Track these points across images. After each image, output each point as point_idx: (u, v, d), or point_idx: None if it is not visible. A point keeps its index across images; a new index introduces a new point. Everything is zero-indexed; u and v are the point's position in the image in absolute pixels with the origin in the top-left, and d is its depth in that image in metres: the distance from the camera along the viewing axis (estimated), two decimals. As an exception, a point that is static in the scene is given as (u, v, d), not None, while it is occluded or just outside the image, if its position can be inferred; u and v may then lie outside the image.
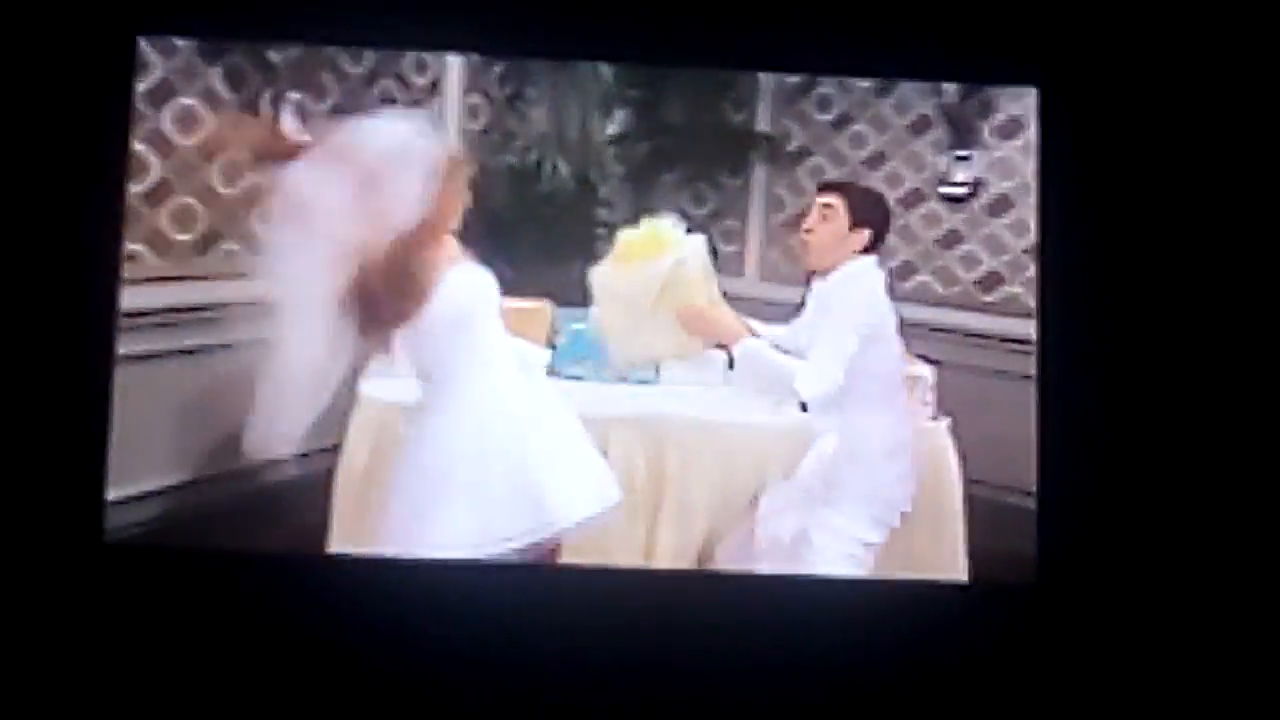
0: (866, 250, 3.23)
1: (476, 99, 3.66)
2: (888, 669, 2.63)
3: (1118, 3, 2.72)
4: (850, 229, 3.22)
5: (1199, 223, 2.70)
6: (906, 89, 2.87)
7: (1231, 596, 2.61)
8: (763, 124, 3.91)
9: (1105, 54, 2.73)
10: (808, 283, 3.23)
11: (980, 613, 2.65)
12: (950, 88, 2.78)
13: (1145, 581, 2.63)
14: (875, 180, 3.87)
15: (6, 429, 2.52)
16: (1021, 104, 2.94)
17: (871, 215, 3.24)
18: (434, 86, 3.35)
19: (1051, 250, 2.73)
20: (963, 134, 2.95)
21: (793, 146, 3.95)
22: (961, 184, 3.79)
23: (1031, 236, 2.81)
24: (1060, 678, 2.60)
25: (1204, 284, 2.69)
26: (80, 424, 2.54)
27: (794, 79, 2.90)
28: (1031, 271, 2.83)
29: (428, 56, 2.99)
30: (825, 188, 3.30)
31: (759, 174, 4.08)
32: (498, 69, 3.40)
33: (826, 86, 3.03)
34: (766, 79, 2.98)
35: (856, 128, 3.83)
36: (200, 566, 2.58)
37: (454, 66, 3.33)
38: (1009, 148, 3.66)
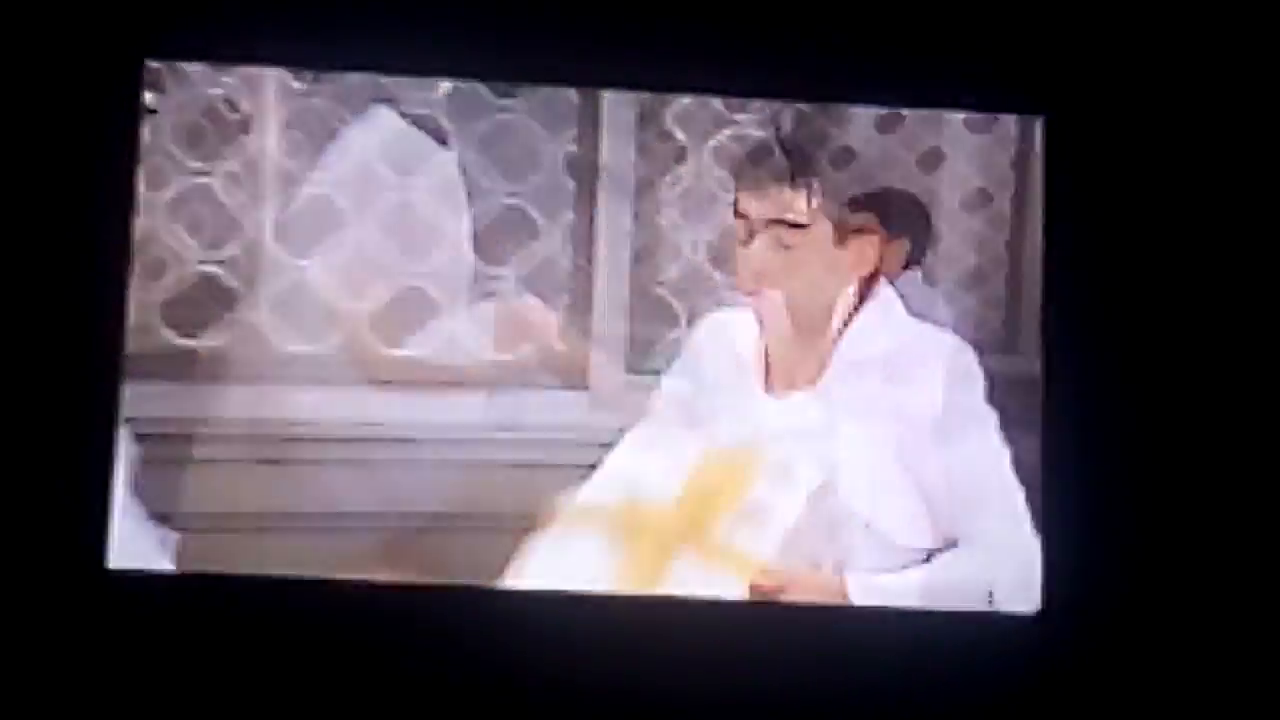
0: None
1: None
2: (891, 699, 2.58)
3: (1123, 30, 2.70)
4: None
5: (1209, 250, 2.66)
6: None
7: (1244, 622, 2.59)
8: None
9: (1112, 82, 2.69)
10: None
11: (986, 642, 2.59)
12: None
13: (1153, 610, 2.60)
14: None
15: (7, 451, 2.50)
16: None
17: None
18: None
19: (1058, 280, 2.65)
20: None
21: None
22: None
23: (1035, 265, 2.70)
24: (1065, 709, 2.57)
25: (1214, 309, 2.65)
26: (85, 448, 2.53)
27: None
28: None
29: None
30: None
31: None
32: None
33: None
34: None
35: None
36: (207, 592, 2.56)
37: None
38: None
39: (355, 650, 2.54)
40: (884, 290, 2.52)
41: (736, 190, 2.55)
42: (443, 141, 2.78)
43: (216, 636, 2.51)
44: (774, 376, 2.56)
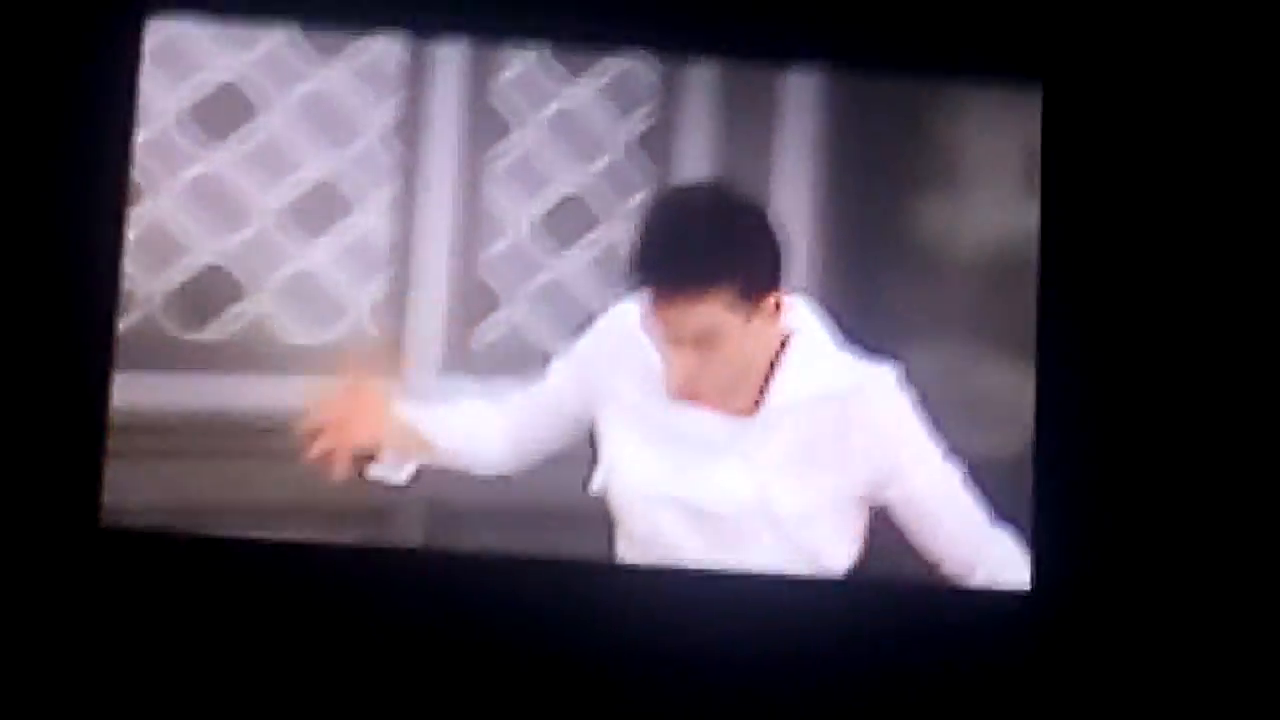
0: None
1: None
2: (873, 673, 2.59)
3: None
4: (749, 318, 2.39)
5: (1207, 224, 2.65)
6: (582, 85, 2.74)
7: (1231, 604, 2.59)
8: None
9: (1110, 48, 2.67)
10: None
11: (972, 618, 2.58)
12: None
13: (1142, 589, 2.61)
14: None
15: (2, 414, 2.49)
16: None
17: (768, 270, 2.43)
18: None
19: (1053, 251, 2.63)
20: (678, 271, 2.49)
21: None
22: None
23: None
24: (1053, 687, 2.58)
25: (1211, 289, 2.63)
26: (77, 405, 2.50)
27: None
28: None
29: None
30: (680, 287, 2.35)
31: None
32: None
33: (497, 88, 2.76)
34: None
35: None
36: (201, 552, 2.53)
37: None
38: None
39: (346, 612, 2.53)
40: (809, 324, 2.48)
41: (642, 290, 2.44)
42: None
43: (210, 595, 2.51)
44: (684, 391, 2.47)
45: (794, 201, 2.70)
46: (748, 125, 2.74)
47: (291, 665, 2.51)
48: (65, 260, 2.53)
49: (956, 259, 2.74)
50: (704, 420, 2.47)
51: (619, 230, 2.72)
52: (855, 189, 2.76)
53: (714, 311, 2.37)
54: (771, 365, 2.45)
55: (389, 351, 2.71)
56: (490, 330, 2.75)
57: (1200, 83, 2.67)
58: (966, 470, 2.50)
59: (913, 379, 2.50)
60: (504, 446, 2.59)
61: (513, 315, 2.76)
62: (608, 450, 2.52)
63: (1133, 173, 2.66)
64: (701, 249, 2.42)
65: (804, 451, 2.46)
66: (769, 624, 2.55)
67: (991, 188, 2.74)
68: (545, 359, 2.64)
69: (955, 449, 2.51)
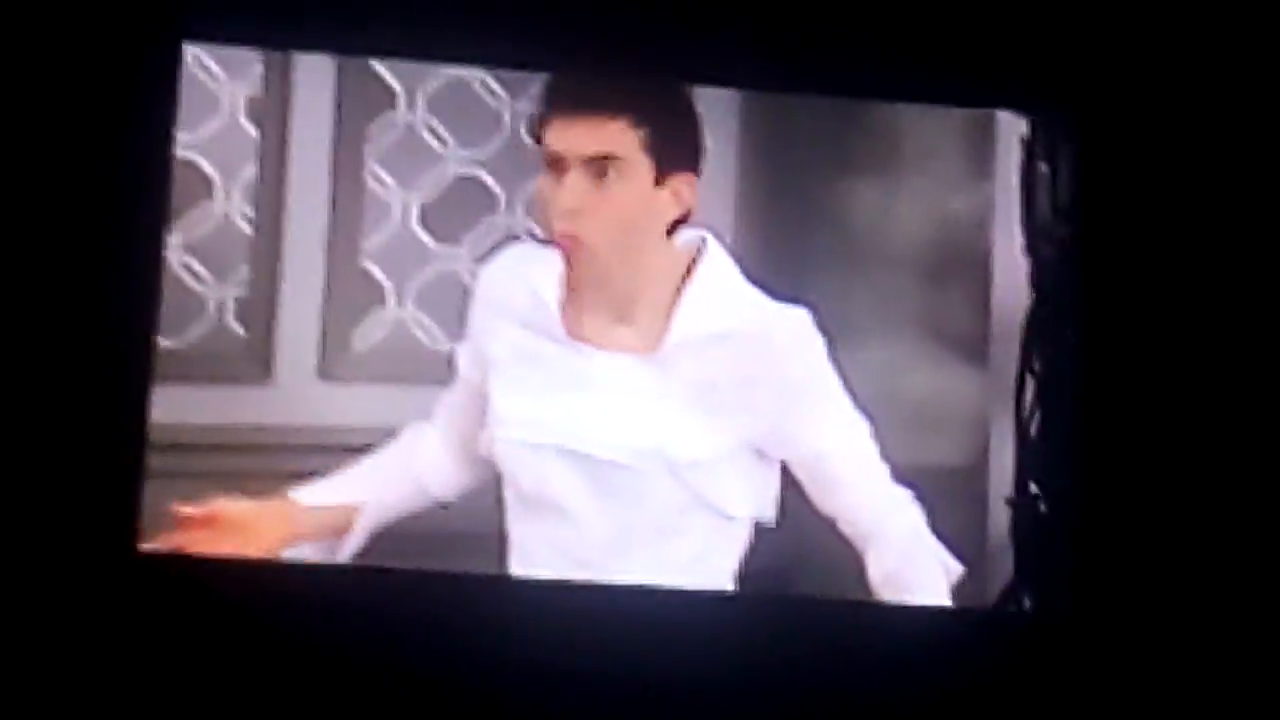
0: (680, 221, 2.33)
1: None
2: (909, 697, 2.45)
3: (1151, 28, 2.57)
4: (658, 183, 2.28)
5: (1204, 246, 2.56)
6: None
7: (1219, 629, 2.51)
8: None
9: (1138, 81, 2.57)
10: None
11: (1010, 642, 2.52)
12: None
13: (1177, 612, 2.51)
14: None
15: (39, 433, 2.39)
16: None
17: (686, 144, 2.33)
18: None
19: (1085, 275, 2.53)
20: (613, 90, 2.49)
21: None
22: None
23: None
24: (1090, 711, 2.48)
25: (1207, 306, 2.55)
26: (115, 429, 2.39)
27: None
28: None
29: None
30: (591, 97, 2.29)
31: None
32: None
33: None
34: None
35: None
36: (236, 577, 2.43)
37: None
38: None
39: (378, 636, 2.42)
40: (714, 255, 2.34)
41: (542, 123, 2.29)
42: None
43: (246, 621, 2.42)
44: (581, 327, 2.33)
45: (716, 187, 2.52)
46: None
47: (335, 690, 2.42)
48: (100, 287, 2.41)
49: (897, 250, 2.60)
50: (598, 359, 2.32)
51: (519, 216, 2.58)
52: (785, 175, 2.61)
53: (623, 134, 2.24)
54: (674, 298, 2.31)
55: (257, 355, 2.51)
56: (375, 329, 2.56)
57: (1233, 111, 2.60)
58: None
59: (854, 382, 2.35)
60: (453, 462, 2.41)
61: (400, 312, 2.56)
62: (494, 404, 2.34)
63: (1123, 206, 2.60)
64: (620, 82, 2.34)
65: (706, 393, 2.31)
66: (740, 642, 2.44)
67: (934, 172, 2.62)
68: (437, 360, 2.46)
69: (898, 456, 2.38)
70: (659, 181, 2.25)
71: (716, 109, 2.51)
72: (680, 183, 2.27)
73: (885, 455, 2.35)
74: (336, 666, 2.43)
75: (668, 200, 2.27)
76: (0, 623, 2.37)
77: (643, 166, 2.24)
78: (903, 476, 2.36)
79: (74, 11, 2.45)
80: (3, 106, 2.43)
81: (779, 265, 2.45)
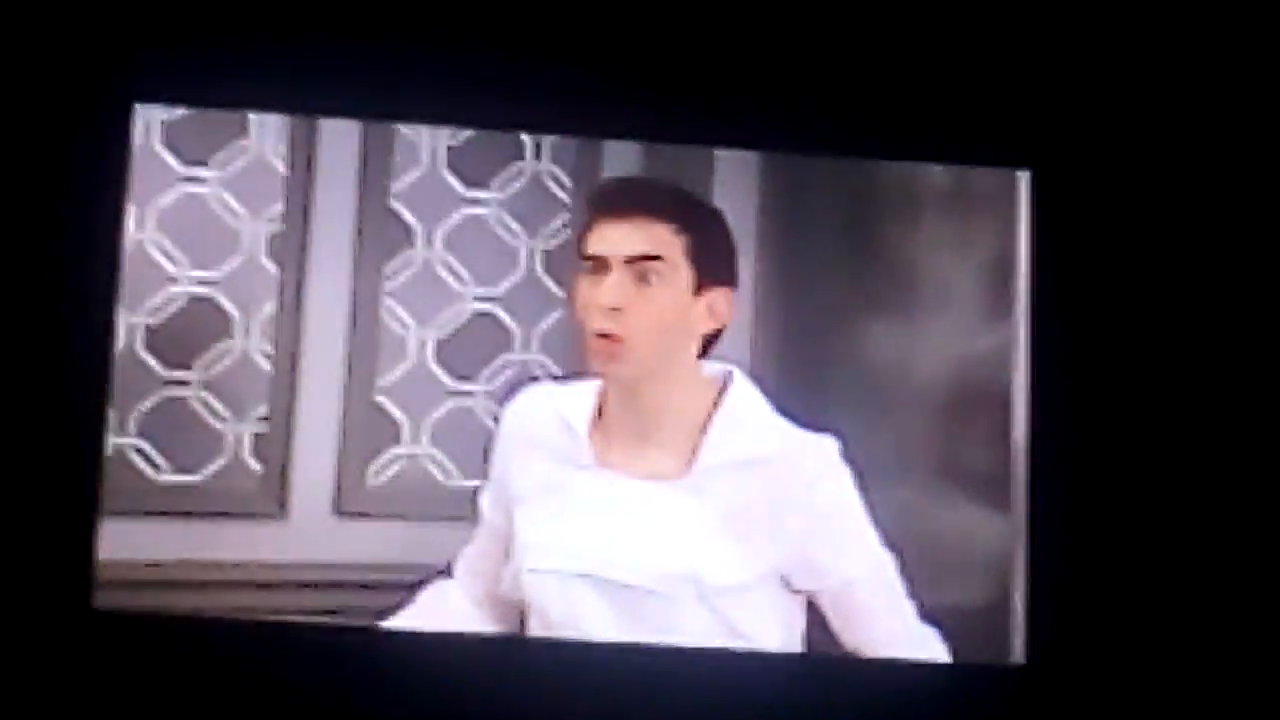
0: (714, 338, 2.33)
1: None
2: None
3: (1111, 83, 2.63)
4: (697, 293, 2.29)
5: (1199, 308, 2.59)
6: (487, 198, 2.59)
7: (1229, 668, 2.53)
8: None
9: (1099, 135, 2.62)
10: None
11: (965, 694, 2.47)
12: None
13: (1140, 661, 2.53)
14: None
15: None
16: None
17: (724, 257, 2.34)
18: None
19: (1042, 338, 2.54)
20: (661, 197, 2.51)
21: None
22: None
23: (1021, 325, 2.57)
24: None
25: (1202, 369, 2.58)
26: (70, 484, 2.42)
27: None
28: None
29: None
30: (638, 201, 2.31)
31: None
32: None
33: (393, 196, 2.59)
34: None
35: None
36: (195, 634, 2.43)
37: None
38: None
39: (338, 693, 2.42)
40: (742, 383, 2.33)
41: (586, 229, 2.31)
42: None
43: (202, 678, 2.41)
44: (610, 454, 2.32)
45: (730, 333, 2.48)
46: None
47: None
48: (55, 347, 2.46)
49: (916, 389, 2.57)
50: (627, 486, 2.29)
51: (534, 352, 2.56)
52: (803, 313, 2.58)
53: (667, 238, 2.26)
54: (703, 424, 2.29)
55: (272, 491, 2.48)
56: (389, 465, 2.53)
57: (1197, 169, 2.64)
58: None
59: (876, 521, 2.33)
60: (478, 612, 2.39)
61: (414, 447, 2.53)
62: (521, 537, 2.31)
63: (1120, 261, 2.63)
64: (663, 190, 2.36)
65: (736, 519, 2.28)
66: (748, 700, 2.44)
67: (953, 312, 2.60)
68: (451, 496, 2.45)
69: (921, 599, 2.35)
70: (698, 292, 2.26)
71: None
72: (717, 295, 2.28)
73: (911, 593, 2.32)
74: None
75: (704, 312, 2.27)
76: None
77: (684, 272, 2.25)
78: (927, 615, 2.34)
79: (23, 73, 2.49)
80: None
81: (796, 404, 2.40)
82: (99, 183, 2.48)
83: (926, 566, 2.41)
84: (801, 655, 2.34)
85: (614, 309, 2.24)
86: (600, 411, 2.31)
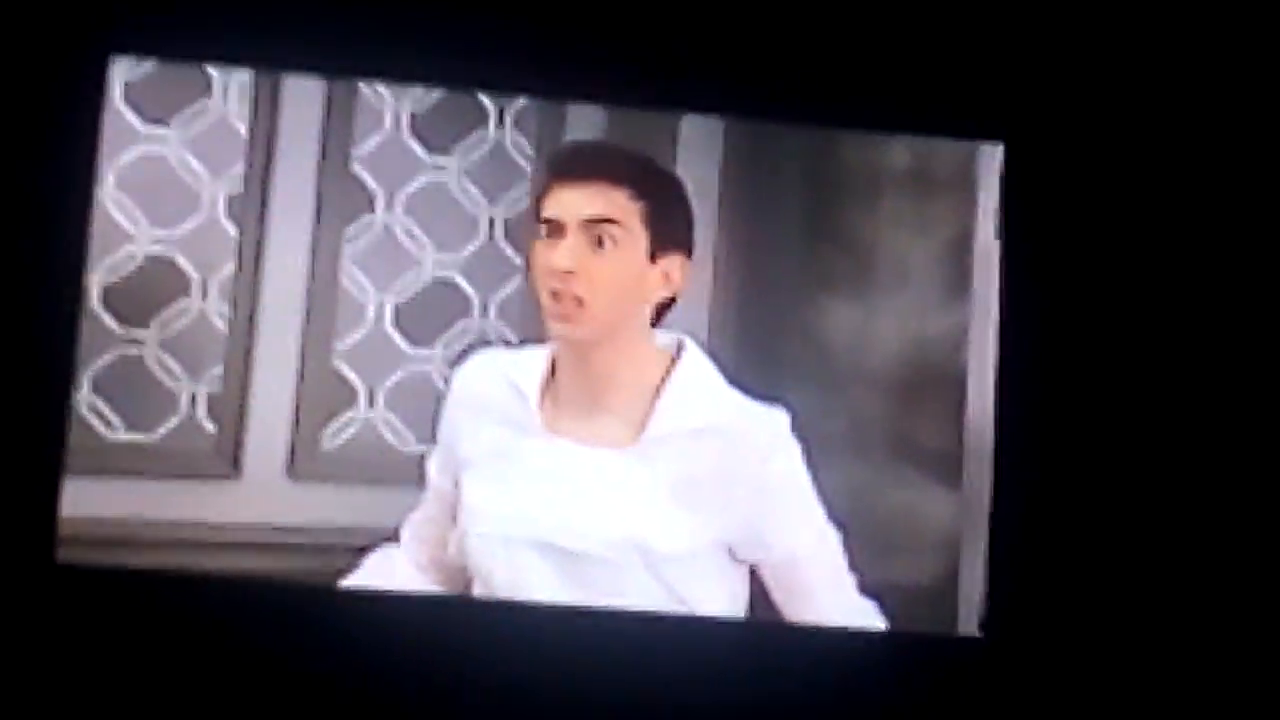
0: (667, 305, 2.32)
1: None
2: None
3: (1086, 54, 2.58)
4: (652, 260, 2.27)
5: (1171, 286, 2.56)
6: (447, 163, 2.60)
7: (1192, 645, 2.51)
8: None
9: (1072, 108, 2.57)
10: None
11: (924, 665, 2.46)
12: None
13: (1099, 635, 2.49)
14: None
15: None
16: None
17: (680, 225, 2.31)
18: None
19: (1011, 314, 2.50)
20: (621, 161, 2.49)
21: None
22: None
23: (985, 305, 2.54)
24: None
25: (1173, 345, 2.55)
26: (33, 435, 2.36)
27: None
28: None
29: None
30: (595, 166, 2.27)
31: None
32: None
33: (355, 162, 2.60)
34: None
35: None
36: (158, 588, 2.37)
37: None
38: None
39: (306, 650, 2.37)
40: (694, 353, 2.31)
41: (544, 192, 2.27)
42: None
43: (166, 633, 2.37)
44: (559, 421, 2.29)
45: (690, 297, 2.46)
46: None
47: (251, 706, 2.39)
48: (21, 306, 2.39)
49: (871, 367, 2.59)
50: (575, 453, 2.27)
51: (493, 320, 2.56)
52: (761, 289, 2.60)
53: (621, 202, 2.22)
54: (654, 393, 2.27)
55: (225, 452, 2.48)
56: (344, 429, 2.53)
57: (1172, 141, 2.61)
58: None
59: (827, 498, 2.32)
60: (423, 578, 2.37)
61: (369, 412, 2.53)
62: (467, 501, 2.30)
63: (1094, 236, 2.60)
64: (621, 155, 2.31)
65: (684, 488, 2.25)
66: (708, 668, 2.41)
67: (910, 292, 2.61)
68: (406, 461, 2.44)
69: (865, 572, 2.35)
70: (653, 258, 2.24)
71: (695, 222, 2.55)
72: (672, 263, 2.26)
73: (853, 566, 2.32)
74: (262, 680, 2.38)
75: (659, 279, 2.25)
76: None
77: (640, 238, 2.23)
78: (868, 589, 2.34)
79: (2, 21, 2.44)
80: None
81: (752, 379, 2.41)
82: (72, 137, 2.42)
83: (876, 542, 2.43)
84: (750, 622, 2.33)
85: (568, 272, 2.22)
86: (551, 378, 2.30)
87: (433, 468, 2.35)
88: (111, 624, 2.39)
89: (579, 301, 2.22)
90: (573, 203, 2.23)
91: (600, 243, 2.22)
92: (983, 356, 2.53)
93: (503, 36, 2.53)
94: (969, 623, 2.48)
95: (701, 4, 2.62)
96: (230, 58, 2.50)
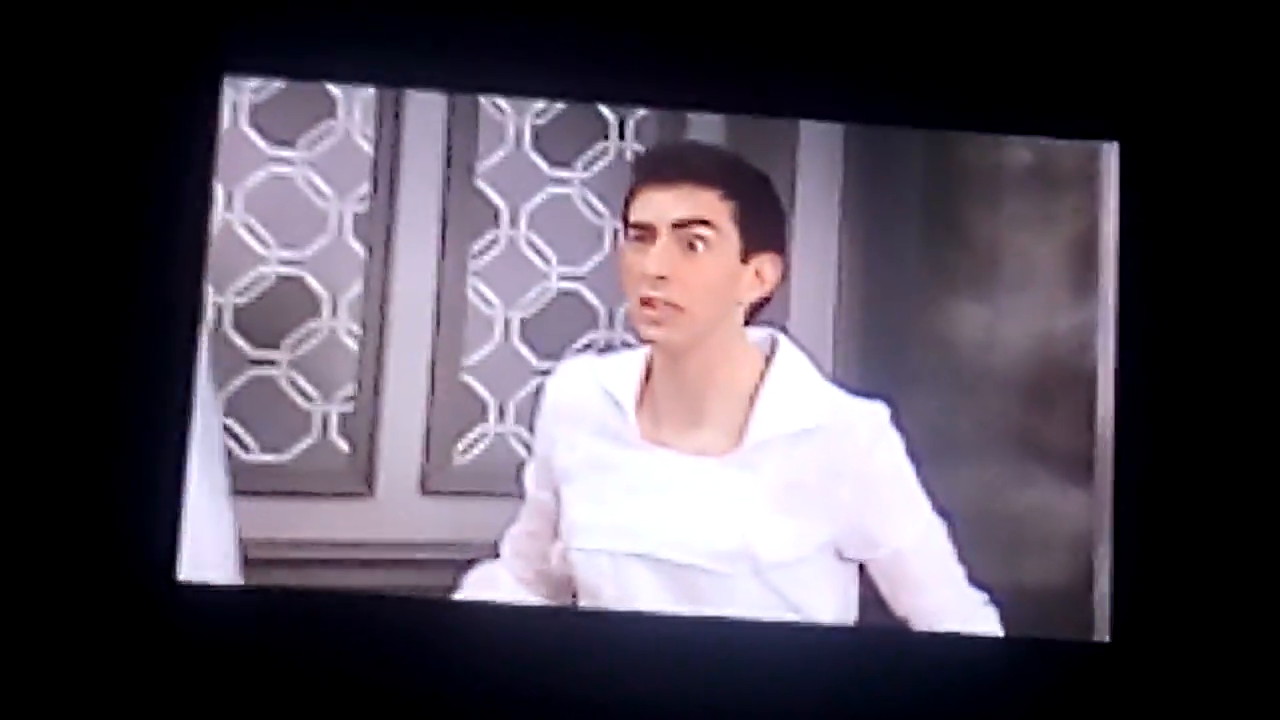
0: (761, 305, 2.30)
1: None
2: None
3: (1202, 53, 2.60)
4: (744, 259, 2.26)
5: None
6: (571, 178, 2.59)
7: None
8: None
9: (1188, 107, 2.59)
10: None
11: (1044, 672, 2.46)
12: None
13: (1231, 640, 2.49)
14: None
15: (76, 460, 2.43)
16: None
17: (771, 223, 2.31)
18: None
19: (1128, 314, 2.53)
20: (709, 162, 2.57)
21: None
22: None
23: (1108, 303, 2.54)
24: None
25: None
26: (157, 457, 2.43)
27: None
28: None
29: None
30: (684, 167, 2.27)
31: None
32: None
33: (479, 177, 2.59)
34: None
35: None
36: (281, 606, 2.45)
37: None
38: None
39: (421, 666, 2.42)
40: (788, 350, 2.31)
41: (632, 195, 2.29)
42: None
43: (284, 651, 2.43)
44: (658, 431, 2.29)
45: (816, 302, 2.51)
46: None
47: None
48: (143, 319, 2.47)
49: (999, 368, 2.56)
50: (676, 463, 2.27)
51: (619, 330, 2.56)
52: (886, 291, 2.57)
53: (714, 203, 2.23)
54: (751, 396, 2.27)
55: (359, 470, 2.50)
56: (475, 443, 2.53)
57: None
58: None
59: (955, 501, 2.32)
60: (527, 592, 2.38)
61: (500, 426, 2.54)
62: (569, 515, 2.30)
63: (1210, 234, 2.59)
64: (709, 155, 2.35)
65: (789, 492, 2.26)
66: (830, 675, 2.41)
67: (1036, 292, 2.58)
68: None
69: (999, 576, 2.37)
70: (745, 259, 2.23)
71: (817, 227, 2.51)
72: (765, 261, 2.25)
73: (962, 558, 2.32)
74: (377, 699, 2.40)
75: (751, 279, 2.24)
76: (39, 649, 2.38)
77: (731, 238, 2.22)
78: (976, 580, 2.34)
79: (114, 44, 2.49)
80: (39, 137, 2.46)
81: (879, 383, 2.41)
82: (187, 156, 2.48)
83: (1006, 545, 2.43)
84: (871, 627, 2.34)
85: (661, 277, 2.21)
86: (645, 384, 2.29)
87: (531, 481, 2.36)
88: (230, 641, 2.42)
89: (673, 307, 2.22)
90: (662, 205, 2.23)
91: (692, 245, 2.22)
92: (1110, 354, 2.52)
93: (620, 48, 2.55)
94: (1104, 627, 2.46)
95: (814, 10, 2.62)
96: (341, 76, 2.52)
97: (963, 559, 2.31)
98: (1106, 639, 2.46)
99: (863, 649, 2.40)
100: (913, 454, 2.29)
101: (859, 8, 2.62)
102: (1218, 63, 2.61)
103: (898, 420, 2.29)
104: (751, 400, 2.26)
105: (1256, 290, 2.57)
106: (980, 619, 2.33)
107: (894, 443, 2.27)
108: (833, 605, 2.31)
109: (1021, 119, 2.60)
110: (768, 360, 2.27)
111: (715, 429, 2.27)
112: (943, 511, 2.30)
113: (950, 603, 2.31)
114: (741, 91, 2.56)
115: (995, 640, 2.37)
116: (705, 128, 2.54)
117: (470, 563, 2.40)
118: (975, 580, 2.33)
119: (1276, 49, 2.61)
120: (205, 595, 2.42)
